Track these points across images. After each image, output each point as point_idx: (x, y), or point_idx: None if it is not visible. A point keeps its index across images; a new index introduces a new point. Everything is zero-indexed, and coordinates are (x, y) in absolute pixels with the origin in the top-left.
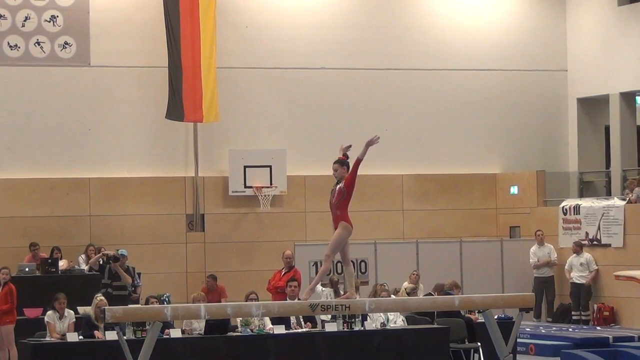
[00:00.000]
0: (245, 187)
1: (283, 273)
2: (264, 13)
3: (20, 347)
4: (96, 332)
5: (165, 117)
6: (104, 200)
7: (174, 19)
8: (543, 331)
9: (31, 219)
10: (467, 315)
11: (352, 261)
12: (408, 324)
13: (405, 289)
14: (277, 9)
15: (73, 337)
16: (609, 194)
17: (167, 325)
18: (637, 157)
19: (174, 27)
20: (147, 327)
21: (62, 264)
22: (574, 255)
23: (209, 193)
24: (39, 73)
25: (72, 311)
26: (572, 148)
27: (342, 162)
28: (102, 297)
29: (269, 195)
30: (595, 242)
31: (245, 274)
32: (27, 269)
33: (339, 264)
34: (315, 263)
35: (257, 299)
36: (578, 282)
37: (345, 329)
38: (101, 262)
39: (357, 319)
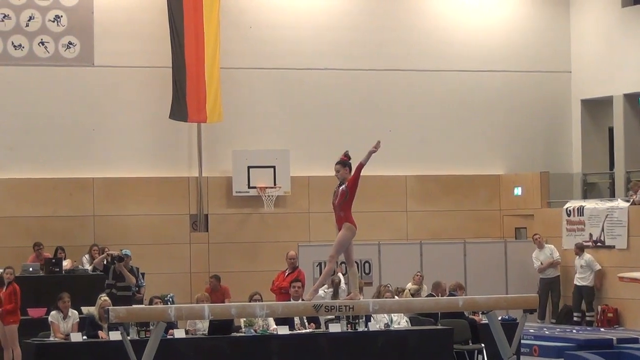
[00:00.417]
0: (249, 187)
1: (287, 274)
2: (268, 13)
3: (24, 347)
4: (100, 332)
5: (169, 118)
6: (107, 200)
7: (177, 19)
8: (547, 332)
9: (35, 218)
10: (470, 316)
11: (356, 262)
12: (412, 325)
13: (409, 290)
14: (280, 9)
15: (77, 337)
16: (612, 195)
17: (171, 325)
18: None
19: (178, 27)
20: (151, 327)
21: (66, 264)
22: (577, 257)
23: (213, 193)
24: (43, 73)
25: (75, 311)
26: (576, 149)
27: (344, 162)
28: (106, 297)
29: (272, 196)
30: (599, 244)
31: (249, 275)
32: (30, 269)
33: (343, 265)
34: (319, 264)
35: (261, 300)
36: (579, 284)
37: (349, 330)
38: (106, 263)
39: (360, 320)
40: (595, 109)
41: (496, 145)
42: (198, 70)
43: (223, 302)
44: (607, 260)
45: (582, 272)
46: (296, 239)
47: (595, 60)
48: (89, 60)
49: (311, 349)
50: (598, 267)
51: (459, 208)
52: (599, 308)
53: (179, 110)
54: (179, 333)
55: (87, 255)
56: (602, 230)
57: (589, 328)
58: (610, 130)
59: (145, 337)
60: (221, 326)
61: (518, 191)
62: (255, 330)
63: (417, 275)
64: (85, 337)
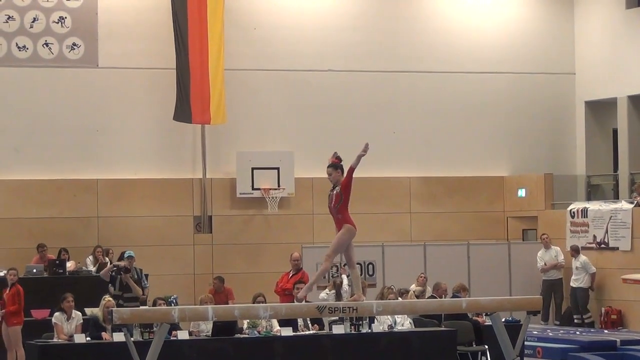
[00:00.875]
0: (253, 189)
1: (291, 275)
2: (272, 15)
3: (28, 348)
4: (103, 334)
5: (173, 119)
6: (111, 201)
7: (182, 21)
8: (550, 334)
9: (39, 220)
10: (474, 318)
11: (359, 263)
12: (415, 327)
13: (414, 291)
14: (285, 11)
15: (80, 338)
16: (616, 197)
17: (175, 327)
18: None
19: (182, 28)
20: (155, 328)
21: (70, 265)
22: (573, 259)
23: (217, 195)
24: (47, 74)
25: (79, 313)
26: (580, 151)
27: (335, 165)
28: (110, 298)
29: (276, 197)
30: (602, 246)
31: (253, 276)
32: (34, 270)
33: (346, 266)
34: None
35: (264, 301)
36: (574, 285)
37: (353, 331)
38: (112, 274)
39: (364, 322)
40: (600, 110)
41: (500, 146)
42: (202, 71)
43: (226, 303)
44: (610, 262)
45: (577, 274)
46: (300, 240)
47: (600, 62)
48: (93, 62)
49: (315, 351)
50: (593, 269)
51: (462, 210)
52: (603, 310)
53: (183, 111)
54: (183, 334)
55: (90, 257)
56: (606, 232)
57: (592, 330)
58: (615, 131)
59: (149, 338)
60: (225, 327)
61: (522, 193)
62: (259, 332)
63: (421, 277)
64: (88, 338)
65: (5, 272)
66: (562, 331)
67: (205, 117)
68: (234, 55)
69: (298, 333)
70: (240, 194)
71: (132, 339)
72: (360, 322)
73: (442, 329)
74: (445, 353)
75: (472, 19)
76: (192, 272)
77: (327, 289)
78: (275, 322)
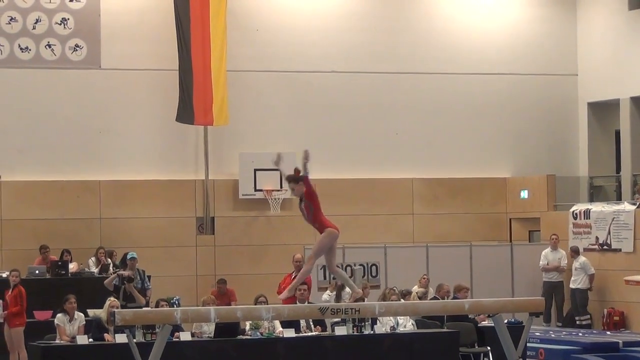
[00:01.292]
0: (256, 190)
1: (293, 276)
2: (275, 16)
3: (30, 349)
4: (106, 335)
5: (176, 120)
6: (114, 202)
7: (184, 22)
8: (553, 336)
9: (41, 221)
10: (475, 317)
11: (362, 265)
12: (418, 328)
13: (417, 293)
14: (287, 12)
15: (83, 339)
16: (619, 198)
17: (177, 328)
18: None
19: (185, 30)
20: (157, 330)
21: (72, 266)
22: (573, 260)
23: (219, 196)
24: (50, 75)
25: (81, 314)
26: (583, 152)
27: (295, 179)
28: (115, 300)
29: (279, 199)
30: (605, 247)
31: (255, 277)
32: (37, 272)
33: (348, 268)
34: (324, 266)
35: (266, 302)
36: (572, 286)
37: (355, 333)
38: (116, 283)
39: (366, 323)
40: (602, 111)
41: (503, 148)
42: (205, 73)
43: (229, 304)
44: (613, 264)
45: (576, 274)
46: (302, 241)
47: (602, 63)
48: (96, 63)
49: (317, 352)
50: (592, 270)
51: (465, 211)
52: (605, 311)
53: (186, 113)
54: (185, 336)
55: (93, 258)
56: (609, 233)
57: (595, 331)
58: (617, 133)
59: (151, 339)
60: (227, 329)
61: (524, 194)
62: (261, 333)
63: (424, 278)
64: (91, 339)
65: (7, 273)
66: (564, 333)
67: (207, 118)
68: (236, 56)
69: (300, 334)
70: (243, 195)
71: (134, 340)
72: (363, 324)
73: (445, 330)
74: (447, 354)
75: (474, 21)
76: (194, 273)
77: (328, 290)
78: (277, 324)
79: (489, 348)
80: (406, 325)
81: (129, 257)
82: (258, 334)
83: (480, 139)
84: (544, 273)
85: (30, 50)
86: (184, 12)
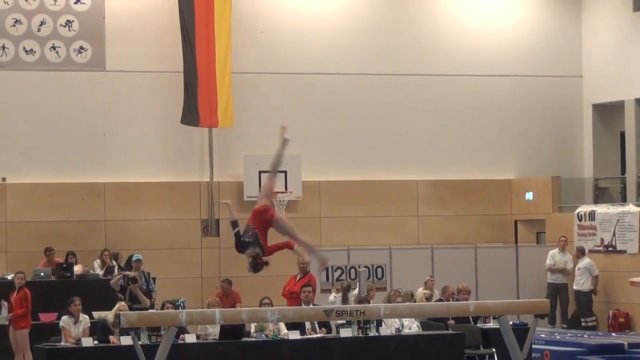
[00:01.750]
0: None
1: (298, 278)
2: (279, 18)
3: (35, 351)
4: (111, 337)
5: (181, 122)
6: (119, 205)
7: (189, 24)
8: (558, 337)
9: (46, 223)
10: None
11: (367, 267)
12: (423, 330)
13: (424, 294)
14: (292, 14)
15: (88, 342)
16: (624, 200)
17: (182, 330)
18: None
19: (190, 32)
20: (162, 332)
21: (77, 268)
22: (577, 260)
23: (224, 198)
24: (55, 78)
25: (86, 316)
26: (588, 154)
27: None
28: (124, 304)
29: (284, 201)
30: (610, 249)
31: (260, 279)
32: (42, 274)
33: (352, 270)
34: (327, 268)
35: (270, 304)
36: (576, 288)
37: (360, 335)
38: (122, 283)
39: (372, 325)
40: (607, 113)
41: (507, 149)
42: (209, 75)
43: (234, 306)
44: (618, 265)
45: (579, 276)
46: None
47: (607, 65)
48: (101, 65)
49: (322, 354)
50: (596, 272)
51: (470, 213)
52: (610, 313)
53: (191, 115)
54: (190, 338)
55: (98, 260)
56: (614, 235)
57: (600, 333)
58: (622, 134)
59: (157, 342)
60: (232, 331)
61: (529, 196)
62: (267, 335)
63: (430, 280)
64: (96, 342)
65: (12, 275)
66: (569, 334)
67: (212, 120)
68: (241, 58)
69: (305, 336)
70: (248, 197)
71: (139, 342)
72: (368, 326)
73: (450, 332)
74: (452, 356)
75: (479, 22)
76: (199, 275)
77: (334, 292)
78: (282, 326)
79: (494, 350)
80: (411, 327)
81: (133, 259)
82: (263, 335)
83: (485, 141)
84: (548, 274)
85: (35, 52)
86: (188, 14)
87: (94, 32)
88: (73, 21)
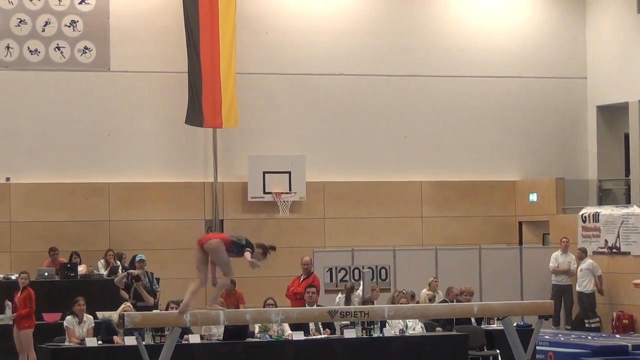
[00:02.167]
0: (265, 193)
1: (302, 279)
2: (284, 19)
3: (39, 352)
4: (115, 338)
5: (185, 123)
6: (123, 205)
7: (193, 25)
8: (562, 339)
9: (50, 223)
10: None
11: (371, 268)
12: (427, 331)
13: (427, 295)
14: (296, 15)
15: (92, 342)
16: (628, 201)
17: (186, 330)
18: None
19: (194, 32)
20: (166, 332)
21: (81, 268)
22: (580, 261)
23: (228, 199)
24: (59, 78)
25: (91, 316)
26: (592, 155)
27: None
28: (130, 305)
29: (288, 201)
30: (614, 250)
31: (264, 280)
32: (46, 274)
33: (355, 270)
34: (330, 269)
35: (275, 305)
36: (579, 289)
37: (364, 336)
38: (126, 281)
39: (375, 326)
40: (611, 115)
41: (512, 151)
42: (214, 75)
43: (237, 307)
44: (622, 267)
45: (582, 277)
46: (311, 244)
47: (611, 66)
48: (105, 66)
49: (326, 355)
50: (599, 272)
51: (474, 214)
52: (614, 314)
53: (195, 115)
54: (194, 338)
55: (102, 260)
56: (618, 236)
57: (604, 334)
58: (626, 136)
59: (161, 342)
60: (236, 331)
61: (533, 197)
62: (270, 336)
63: (434, 282)
64: (100, 342)
65: (17, 275)
66: (573, 336)
67: (217, 120)
68: (245, 59)
69: (309, 337)
70: (252, 197)
71: (143, 342)
72: (372, 327)
73: (454, 333)
74: (456, 358)
75: (483, 23)
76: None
77: (340, 293)
78: (286, 326)
79: (498, 351)
80: (415, 328)
81: (137, 259)
82: (267, 336)
83: (490, 142)
84: (552, 276)
85: (39, 52)
86: (193, 14)
87: (98, 33)
88: (77, 21)
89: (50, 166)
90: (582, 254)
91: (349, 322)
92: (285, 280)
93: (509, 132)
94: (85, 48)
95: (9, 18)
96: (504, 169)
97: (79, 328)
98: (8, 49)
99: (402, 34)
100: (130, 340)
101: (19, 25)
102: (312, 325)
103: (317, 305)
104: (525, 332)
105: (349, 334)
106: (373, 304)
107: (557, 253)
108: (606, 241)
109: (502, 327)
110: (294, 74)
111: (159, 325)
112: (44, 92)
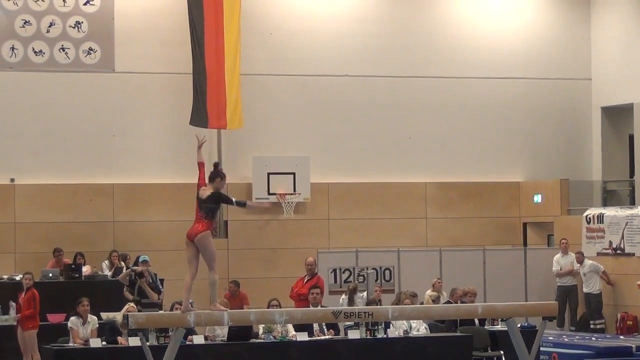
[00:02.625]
0: (269, 194)
1: (306, 280)
2: (289, 20)
3: (43, 352)
4: (119, 338)
5: (189, 124)
6: (127, 206)
7: (198, 25)
8: (566, 340)
9: (55, 224)
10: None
11: (375, 269)
12: (431, 332)
13: (430, 296)
14: (301, 16)
15: (96, 342)
16: (632, 203)
17: (190, 331)
18: None
19: (199, 33)
20: (170, 333)
21: (86, 269)
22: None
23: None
24: (64, 79)
25: (95, 317)
26: (596, 157)
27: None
28: (133, 305)
29: (292, 203)
30: (618, 252)
31: (268, 281)
32: (50, 275)
33: (361, 274)
34: (334, 270)
35: (279, 306)
36: (586, 291)
37: (368, 337)
38: (130, 278)
39: (380, 327)
40: (616, 116)
41: (516, 152)
42: (218, 76)
43: (241, 308)
44: (626, 268)
45: (587, 279)
46: (315, 245)
47: (616, 68)
48: (110, 67)
49: (330, 356)
50: (602, 268)
51: (478, 215)
52: (619, 316)
53: (199, 116)
54: (198, 339)
55: (106, 261)
56: (622, 237)
57: (608, 336)
58: (631, 137)
59: (165, 343)
60: (240, 332)
61: (538, 198)
62: (275, 337)
63: (438, 282)
64: (104, 342)
65: (21, 276)
66: (577, 337)
67: (221, 122)
68: (250, 60)
69: (313, 338)
70: (256, 199)
71: (147, 343)
72: (376, 327)
73: (458, 334)
74: (460, 359)
75: (488, 24)
76: (207, 276)
77: (344, 294)
78: (290, 327)
79: (502, 352)
80: (419, 329)
81: (140, 260)
82: (271, 337)
83: (494, 143)
84: (557, 278)
85: (44, 53)
86: (197, 15)
87: (103, 33)
88: (82, 22)
89: (54, 167)
90: (580, 257)
91: (353, 323)
92: (289, 281)
93: (513, 133)
94: (90, 49)
95: (13, 19)
96: (508, 170)
97: (83, 329)
98: (13, 50)
99: (406, 35)
100: (135, 341)
101: (24, 26)
102: (316, 326)
103: (321, 306)
104: (529, 333)
105: (353, 334)
106: (378, 305)
107: (558, 256)
108: (610, 242)
109: (506, 328)
110: (299, 75)
111: (163, 326)
112: (49, 93)
